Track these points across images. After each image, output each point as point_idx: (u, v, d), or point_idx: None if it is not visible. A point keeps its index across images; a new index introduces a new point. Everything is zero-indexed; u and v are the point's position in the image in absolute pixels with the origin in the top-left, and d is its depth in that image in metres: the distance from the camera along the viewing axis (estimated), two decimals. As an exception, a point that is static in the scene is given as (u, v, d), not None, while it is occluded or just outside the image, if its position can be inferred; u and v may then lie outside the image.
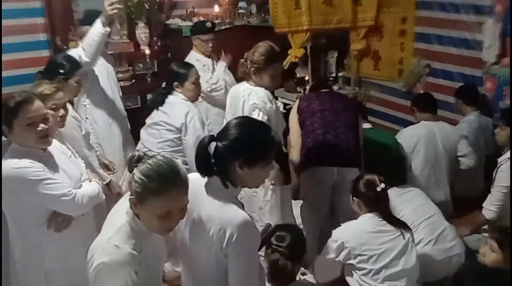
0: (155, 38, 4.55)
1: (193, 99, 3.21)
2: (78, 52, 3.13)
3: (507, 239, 2.16)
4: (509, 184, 2.92)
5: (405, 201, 2.95)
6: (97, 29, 3.07)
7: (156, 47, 4.58)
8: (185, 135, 3.05)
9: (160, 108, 3.14)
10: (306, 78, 5.19)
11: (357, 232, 2.52)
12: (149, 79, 4.55)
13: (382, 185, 2.49)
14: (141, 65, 4.56)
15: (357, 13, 4.85)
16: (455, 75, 4.32)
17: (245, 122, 1.78)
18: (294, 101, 4.76)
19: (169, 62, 4.81)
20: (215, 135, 1.72)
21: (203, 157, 1.67)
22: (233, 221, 1.62)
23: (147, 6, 4.42)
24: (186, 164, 2.93)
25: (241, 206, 1.73)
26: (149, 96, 4.61)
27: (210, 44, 3.99)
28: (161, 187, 1.53)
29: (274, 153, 1.73)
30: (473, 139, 3.77)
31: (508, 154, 3.00)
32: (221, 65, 4.11)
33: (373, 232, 2.50)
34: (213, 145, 1.66)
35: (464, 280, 1.55)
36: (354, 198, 2.61)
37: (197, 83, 3.19)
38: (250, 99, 2.73)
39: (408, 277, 2.50)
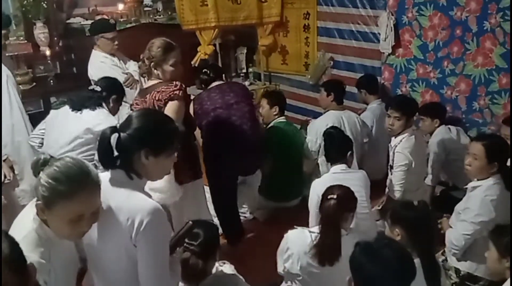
0: (55, 39, 4.34)
1: None
2: None
3: (396, 213, 2.25)
4: (407, 162, 3.14)
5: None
6: None
7: (57, 47, 4.37)
8: None
9: None
10: (217, 75, 5.20)
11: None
12: (51, 81, 4.33)
13: (333, 196, 2.31)
14: (42, 67, 4.34)
15: (263, 10, 4.96)
16: (357, 66, 4.57)
17: (149, 113, 1.79)
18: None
19: (73, 63, 4.64)
20: (117, 127, 1.68)
21: (106, 148, 1.62)
22: (141, 209, 1.58)
23: (44, 5, 4.21)
24: None
25: (149, 196, 1.69)
26: (52, 99, 4.40)
27: (116, 42, 3.86)
28: (71, 190, 1.46)
29: (178, 143, 1.75)
30: (377, 125, 4.03)
31: (400, 137, 3.19)
32: (133, 63, 3.99)
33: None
34: (115, 136, 1.62)
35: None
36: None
37: None
38: None
39: None
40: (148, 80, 2.73)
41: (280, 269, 2.52)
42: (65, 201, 1.46)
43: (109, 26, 3.88)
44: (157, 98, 2.56)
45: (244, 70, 5.56)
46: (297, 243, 2.38)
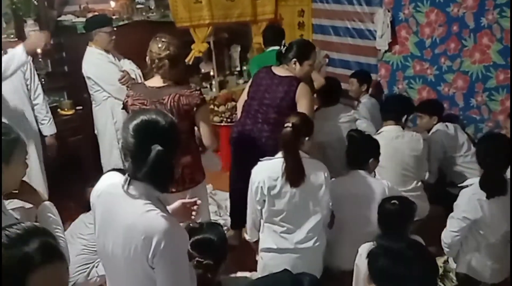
0: (46, 36, 4.25)
1: None
2: None
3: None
4: None
5: None
6: (21, 58, 3.03)
7: (48, 45, 4.27)
8: None
9: None
10: (211, 73, 5.17)
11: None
12: (43, 79, 4.24)
13: (289, 124, 2.46)
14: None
15: (257, 7, 4.93)
16: (352, 64, 4.54)
17: None
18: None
19: (64, 61, 4.55)
20: None
21: None
22: (158, 228, 1.46)
23: (35, 2, 4.13)
24: None
25: (163, 207, 1.58)
26: (44, 98, 4.32)
27: (114, 37, 3.77)
28: None
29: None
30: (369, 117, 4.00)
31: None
32: (128, 62, 3.92)
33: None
34: None
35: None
36: None
37: None
38: None
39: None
40: (152, 78, 2.57)
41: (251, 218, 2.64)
42: None
43: (107, 20, 3.81)
44: (184, 102, 2.46)
45: (238, 68, 5.52)
46: (260, 173, 2.53)
